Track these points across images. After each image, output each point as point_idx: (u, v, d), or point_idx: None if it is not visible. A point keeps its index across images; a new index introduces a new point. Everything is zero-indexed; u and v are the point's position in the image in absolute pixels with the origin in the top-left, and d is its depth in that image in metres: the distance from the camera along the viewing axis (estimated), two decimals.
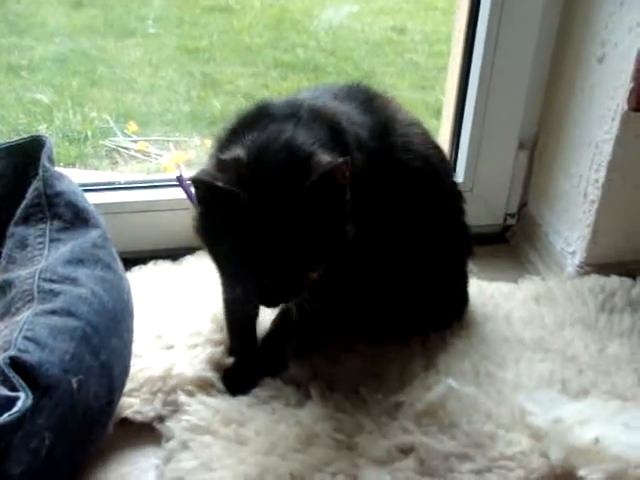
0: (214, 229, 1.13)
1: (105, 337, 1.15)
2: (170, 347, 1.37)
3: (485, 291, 1.57)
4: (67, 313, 1.12)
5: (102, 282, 1.21)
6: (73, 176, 1.37)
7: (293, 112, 1.19)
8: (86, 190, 1.39)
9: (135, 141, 2.39)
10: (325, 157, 1.09)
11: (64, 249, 1.22)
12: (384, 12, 3.54)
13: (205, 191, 1.09)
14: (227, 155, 1.13)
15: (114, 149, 2.38)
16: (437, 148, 1.39)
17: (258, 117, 1.19)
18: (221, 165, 1.10)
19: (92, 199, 1.37)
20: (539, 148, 1.76)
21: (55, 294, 1.14)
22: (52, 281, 1.16)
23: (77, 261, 1.21)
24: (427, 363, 1.36)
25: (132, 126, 2.44)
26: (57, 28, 2.95)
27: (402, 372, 1.34)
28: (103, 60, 2.86)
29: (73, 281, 1.17)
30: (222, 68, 2.95)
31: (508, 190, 1.78)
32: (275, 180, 1.08)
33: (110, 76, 2.79)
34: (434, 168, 1.34)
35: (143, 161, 2.35)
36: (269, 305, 1.19)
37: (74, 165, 2.32)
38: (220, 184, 1.05)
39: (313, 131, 1.15)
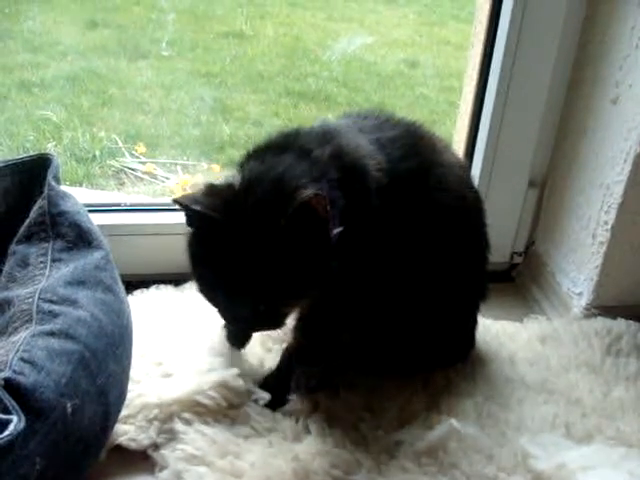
0: (197, 251, 1.15)
1: (103, 362, 1.13)
2: (168, 374, 1.33)
3: (490, 330, 1.54)
4: (65, 335, 1.09)
5: (102, 305, 1.19)
6: (79, 195, 1.35)
7: (311, 145, 1.18)
8: (91, 210, 1.37)
9: (143, 163, 2.40)
10: (308, 190, 1.07)
11: (66, 270, 1.20)
12: (397, 45, 3.57)
13: (186, 213, 1.11)
14: (221, 181, 1.15)
15: (121, 170, 2.39)
16: (474, 191, 1.38)
17: (274, 145, 1.20)
18: (209, 190, 1.12)
19: (97, 220, 1.35)
20: (549, 187, 1.75)
21: (54, 315, 1.12)
22: (52, 302, 1.14)
23: (78, 282, 1.19)
24: (429, 402, 1.33)
25: (140, 147, 2.45)
26: (71, 47, 2.98)
27: (403, 410, 1.31)
28: (115, 81, 2.88)
29: (73, 303, 1.15)
30: (233, 94, 2.97)
31: (516, 228, 1.76)
32: (256, 210, 1.08)
33: (121, 97, 2.81)
34: (469, 211, 1.34)
35: (150, 183, 2.35)
36: (245, 329, 1.25)
37: (81, 184, 2.32)
38: (197, 208, 1.07)
39: (316, 168, 1.14)
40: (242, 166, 1.19)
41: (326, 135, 1.21)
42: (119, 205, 1.67)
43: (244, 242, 1.07)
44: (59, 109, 2.64)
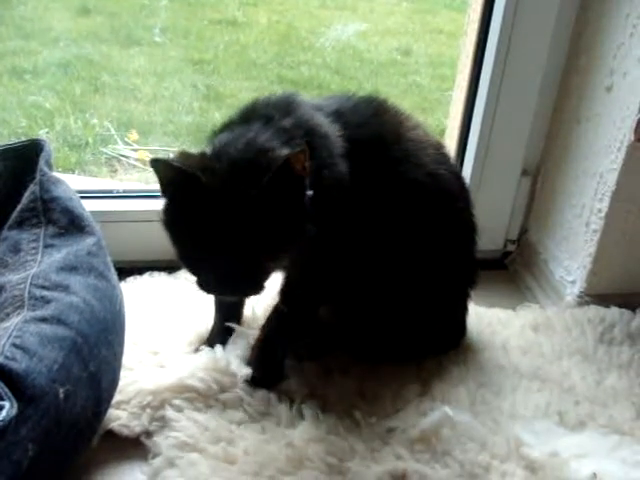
0: (175, 217, 1.14)
1: (95, 347, 1.12)
2: (161, 361, 1.33)
3: (482, 317, 1.53)
4: (57, 321, 1.08)
5: (95, 291, 1.18)
6: (71, 182, 1.34)
7: (272, 113, 1.20)
8: (84, 197, 1.36)
9: (135, 150, 2.38)
10: (284, 150, 1.11)
11: (58, 255, 1.19)
12: (390, 33, 3.57)
13: (165, 173, 1.11)
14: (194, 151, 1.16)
15: (114, 157, 2.37)
16: (454, 172, 1.36)
17: (238, 117, 1.23)
18: (183, 156, 1.14)
19: (89, 206, 1.34)
20: (542, 175, 1.74)
21: (46, 301, 1.11)
22: (44, 287, 1.13)
23: (70, 268, 1.18)
24: (422, 389, 1.33)
25: (133, 135, 2.43)
26: (62, 33, 2.97)
27: (396, 396, 1.31)
28: (107, 67, 2.87)
29: (65, 289, 1.14)
30: (226, 81, 2.95)
31: (509, 216, 1.76)
32: (234, 169, 1.10)
33: (113, 84, 2.79)
34: (445, 189, 1.31)
35: (142, 170, 2.32)
36: (227, 294, 1.21)
37: (73, 171, 2.30)
38: (177, 164, 1.08)
39: (284, 134, 1.17)
40: (212, 140, 1.20)
41: (288, 106, 1.23)
42: (112, 192, 1.66)
43: (224, 201, 1.08)
44: (51, 96, 2.63)
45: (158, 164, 1.10)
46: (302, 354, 1.36)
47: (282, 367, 1.33)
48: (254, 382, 1.30)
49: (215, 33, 3.27)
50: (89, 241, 1.24)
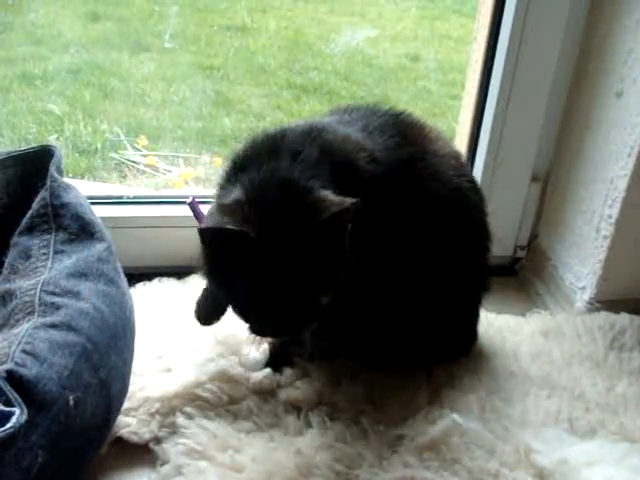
0: (224, 270, 1.13)
1: (105, 354, 1.12)
2: (169, 368, 1.33)
3: (492, 324, 1.53)
4: (68, 328, 1.08)
5: (105, 297, 1.18)
6: (81, 188, 1.34)
7: (300, 146, 1.17)
8: (94, 203, 1.36)
9: (145, 155, 2.38)
10: (332, 196, 1.09)
11: (68, 261, 1.19)
12: (399, 39, 3.54)
13: (214, 237, 1.09)
14: (227, 199, 1.13)
15: (123, 162, 2.37)
16: (472, 182, 1.36)
17: (262, 151, 1.19)
18: (223, 210, 1.12)
19: (99, 212, 1.34)
20: (552, 181, 1.73)
21: (56, 307, 1.11)
22: (54, 294, 1.13)
23: (80, 274, 1.18)
24: (431, 396, 1.32)
25: (142, 140, 2.43)
26: (72, 39, 2.96)
27: (405, 404, 1.30)
28: (117, 73, 2.87)
29: (75, 295, 1.14)
30: (235, 87, 2.95)
31: (519, 222, 1.75)
32: (278, 217, 1.09)
33: (123, 89, 2.79)
34: (467, 202, 1.32)
35: (152, 176, 2.34)
36: (283, 335, 1.23)
37: (83, 177, 2.30)
38: (230, 227, 1.06)
39: (313, 167, 1.14)
40: (234, 177, 1.18)
41: (312, 132, 1.20)
42: (122, 197, 1.67)
43: (277, 249, 1.07)
44: (61, 101, 2.63)
45: (209, 233, 1.09)
46: (314, 355, 1.36)
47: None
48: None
49: (224, 39, 3.25)
50: (99, 247, 1.24)
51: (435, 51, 3.49)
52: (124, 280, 1.27)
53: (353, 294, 1.23)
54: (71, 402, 1.01)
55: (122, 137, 2.47)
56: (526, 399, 1.34)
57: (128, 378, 1.22)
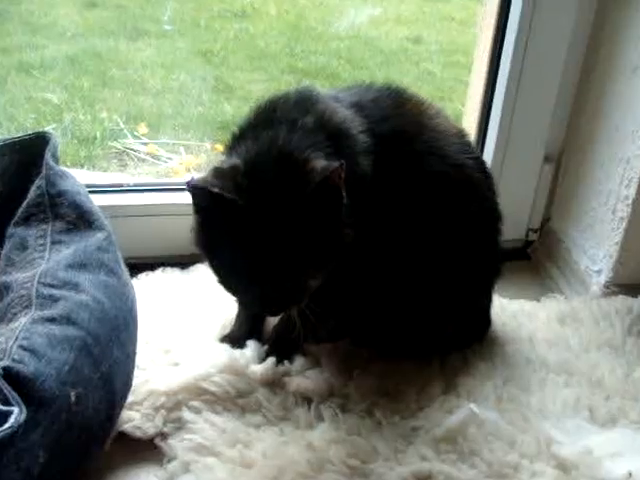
0: (212, 239, 1.11)
1: (106, 347, 1.07)
2: (175, 361, 1.28)
3: (506, 309, 1.48)
4: (67, 321, 1.04)
5: (105, 288, 1.13)
6: (80, 177, 1.29)
7: (295, 116, 1.15)
8: (93, 192, 1.32)
9: (145, 143, 2.34)
10: (320, 162, 1.08)
11: (66, 252, 1.15)
12: (400, 21, 3.51)
13: (202, 198, 1.07)
14: (224, 164, 1.12)
15: (123, 151, 2.32)
16: (478, 160, 1.31)
17: (259, 121, 1.18)
18: (217, 173, 1.09)
19: (99, 201, 1.31)
20: (565, 162, 1.68)
21: (55, 300, 1.06)
22: (52, 286, 1.09)
23: (79, 265, 1.14)
24: (447, 385, 1.27)
25: (142, 128, 2.39)
26: (69, 27, 2.93)
27: (420, 393, 1.25)
28: (115, 61, 2.83)
29: (74, 286, 1.10)
30: (235, 73, 2.91)
31: (531, 204, 1.70)
32: (271, 187, 1.07)
33: (122, 77, 2.75)
34: (470, 179, 1.26)
35: (152, 164, 2.28)
36: (270, 313, 1.21)
37: (82, 166, 2.25)
38: (217, 190, 1.03)
39: (310, 137, 1.13)
40: (233, 148, 1.17)
41: (305, 103, 1.18)
42: (122, 185, 1.61)
43: (266, 219, 1.05)
44: (59, 90, 2.59)
45: (197, 190, 1.06)
46: (321, 336, 1.32)
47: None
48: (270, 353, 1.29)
49: (223, 24, 3.21)
50: (99, 236, 1.20)
51: (437, 33, 3.46)
52: (125, 270, 1.22)
53: (358, 274, 1.20)
54: (72, 398, 0.98)
55: (122, 125, 2.42)
56: (544, 387, 1.29)
57: (132, 372, 1.18)
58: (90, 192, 1.30)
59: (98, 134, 2.38)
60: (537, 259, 1.74)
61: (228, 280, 1.13)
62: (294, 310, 1.16)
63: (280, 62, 3.00)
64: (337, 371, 1.28)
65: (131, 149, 2.32)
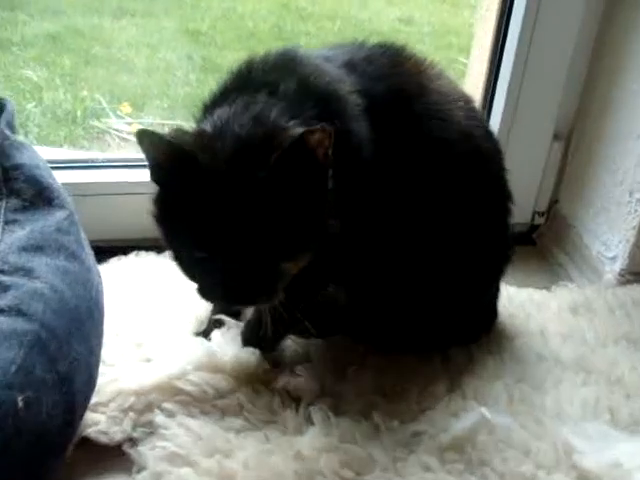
0: (168, 209, 0.92)
1: (65, 343, 0.91)
2: (148, 357, 1.11)
3: (514, 299, 1.32)
4: (17, 312, 0.88)
5: (64, 274, 0.97)
6: (53, 154, 1.12)
7: (275, 79, 0.97)
8: (59, 167, 1.17)
9: (129, 123, 2.19)
10: (298, 129, 0.89)
11: (21, 233, 0.99)
12: (391, 2, 3.40)
13: (155, 151, 0.88)
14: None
15: (106, 131, 2.18)
16: (486, 130, 1.14)
17: (233, 86, 1.00)
18: (180, 133, 0.93)
19: (66, 178, 1.18)
20: (575, 139, 1.52)
21: (3, 288, 0.91)
22: (2, 272, 0.93)
23: (35, 248, 0.97)
24: (451, 384, 1.11)
25: (126, 108, 2.25)
26: (51, 4, 2.80)
27: (422, 394, 1.09)
28: (98, 39, 2.69)
29: (28, 272, 0.93)
30: (223, 52, 2.75)
31: (538, 185, 1.54)
32: (239, 152, 0.88)
33: (105, 55, 2.61)
34: (478, 150, 1.09)
35: (136, 144, 2.10)
36: (236, 302, 0.98)
37: (62, 146, 2.12)
38: (171, 139, 0.87)
39: (293, 104, 0.95)
40: (204, 117, 0.99)
41: (287, 65, 1.00)
42: (92, 161, 1.43)
43: (228, 187, 0.87)
44: (39, 68, 2.44)
45: (145, 137, 0.88)
46: (307, 331, 1.12)
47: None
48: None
49: (210, 3, 3.05)
50: (59, 215, 1.03)
51: (429, 14, 3.32)
52: (90, 254, 1.06)
53: (347, 258, 1.02)
54: (20, 404, 0.81)
55: (104, 104, 2.27)
56: (559, 386, 1.13)
57: (96, 369, 1.01)
58: (56, 168, 1.15)
59: (79, 113, 2.24)
60: (543, 244, 1.57)
61: (184, 259, 0.94)
62: (265, 306, 0.97)
63: (269, 42, 2.86)
64: (329, 367, 1.12)
65: (114, 129, 2.17)
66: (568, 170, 1.53)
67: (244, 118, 0.91)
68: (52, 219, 1.01)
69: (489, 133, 1.14)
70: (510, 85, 1.42)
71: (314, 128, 0.85)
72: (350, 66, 1.04)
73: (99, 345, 1.02)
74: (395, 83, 1.04)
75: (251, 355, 1.09)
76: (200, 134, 0.91)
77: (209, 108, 0.99)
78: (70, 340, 0.92)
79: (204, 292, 0.94)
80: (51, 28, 2.67)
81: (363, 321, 1.14)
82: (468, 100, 1.13)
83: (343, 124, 0.95)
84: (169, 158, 0.87)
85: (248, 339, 1.11)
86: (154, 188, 0.94)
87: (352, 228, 0.97)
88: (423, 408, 1.06)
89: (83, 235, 1.06)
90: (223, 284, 0.90)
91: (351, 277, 1.08)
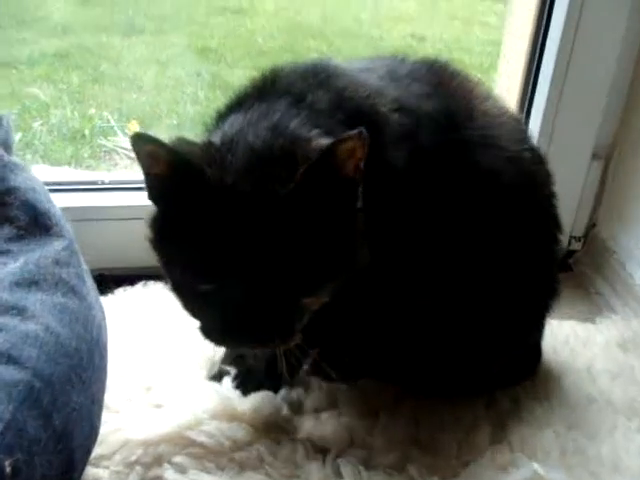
0: (168, 232, 0.78)
1: (62, 392, 0.77)
2: (158, 402, 0.97)
3: (556, 334, 1.17)
4: (7, 359, 0.75)
5: (62, 313, 0.83)
6: (56, 174, 1.00)
7: (303, 89, 0.83)
8: (59, 190, 1.01)
9: None
10: (326, 140, 0.76)
11: (13, 265, 0.85)
12: (402, 20, 3.31)
13: (152, 161, 0.74)
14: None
15: (113, 149, 2.08)
16: (534, 151, 0.99)
17: (256, 92, 0.86)
18: (184, 143, 0.79)
19: (67, 201, 1.07)
20: (615, 160, 1.38)
21: None
22: None
23: (30, 283, 0.84)
24: (495, 433, 0.97)
25: (134, 126, 2.12)
26: (61, 23, 2.72)
27: (463, 444, 0.95)
28: (107, 57, 2.59)
29: (21, 311, 0.80)
30: (233, 69, 2.65)
31: (575, 208, 1.39)
32: (255, 163, 0.75)
33: (114, 73, 2.50)
34: (529, 178, 0.95)
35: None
36: (246, 344, 0.81)
37: (69, 165, 2.01)
38: (173, 147, 0.74)
39: (320, 117, 0.82)
40: (216, 126, 0.85)
41: (318, 75, 0.86)
42: (95, 183, 1.29)
43: (240, 207, 0.73)
44: (47, 86, 2.35)
45: (142, 143, 0.74)
46: (331, 374, 0.99)
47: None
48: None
49: (220, 21, 2.98)
50: (57, 245, 0.90)
51: (441, 31, 3.20)
52: (92, 288, 0.92)
53: (379, 292, 0.87)
54: (7, 469, 0.68)
55: (112, 123, 2.17)
56: (614, 433, 0.99)
57: (98, 418, 0.87)
58: (57, 190, 1.02)
59: (87, 131, 2.14)
60: (581, 271, 1.43)
61: (185, 292, 0.80)
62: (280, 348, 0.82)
63: (278, 59, 2.72)
64: (359, 414, 0.98)
65: (122, 147, 2.06)
66: (607, 191, 1.39)
67: (259, 127, 0.78)
68: (49, 249, 0.88)
69: (539, 156, 1.00)
70: (548, 100, 1.29)
71: (346, 136, 0.72)
72: (392, 81, 0.90)
73: (102, 390, 0.88)
74: (443, 104, 0.90)
75: (271, 400, 0.95)
76: (207, 145, 0.78)
77: (223, 116, 0.86)
78: (68, 389, 0.78)
79: (208, 331, 0.79)
80: (59, 46, 2.58)
81: (395, 362, 0.99)
82: (517, 119, 1.00)
83: (379, 147, 0.80)
84: (171, 171, 0.74)
85: (259, 382, 0.97)
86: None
87: (385, 258, 0.83)
88: (464, 461, 0.93)
89: (84, 266, 0.92)
90: (232, 322, 0.75)
91: (381, 313, 0.94)
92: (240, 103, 0.86)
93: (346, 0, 3.38)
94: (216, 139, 0.79)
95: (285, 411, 0.96)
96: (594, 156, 1.36)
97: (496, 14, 3.16)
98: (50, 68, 2.45)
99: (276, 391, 0.98)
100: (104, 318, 0.92)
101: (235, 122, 0.81)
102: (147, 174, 0.77)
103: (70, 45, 2.60)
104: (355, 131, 0.72)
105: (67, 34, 2.65)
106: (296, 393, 1.00)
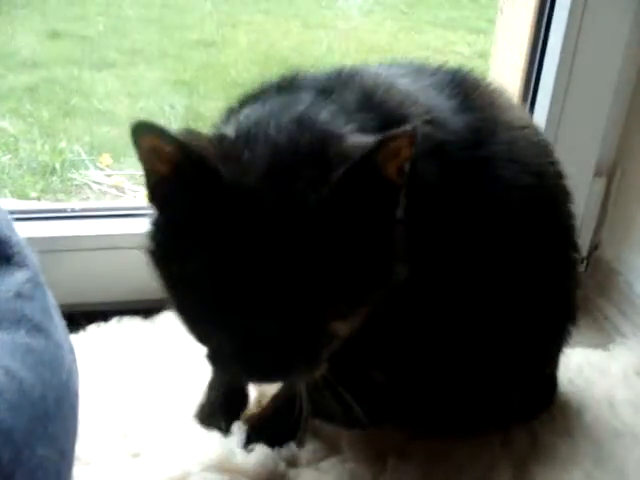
0: (172, 243, 0.66)
1: (25, 447, 0.65)
2: (136, 450, 0.84)
3: (569, 362, 1.06)
4: None
5: (26, 354, 0.71)
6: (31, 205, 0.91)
7: (329, 86, 0.73)
8: (23, 219, 0.90)
9: (109, 175, 2.02)
10: (363, 137, 0.65)
11: None
12: (376, 51, 3.23)
13: (154, 157, 0.63)
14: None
15: (85, 183, 2.00)
16: (556, 165, 0.90)
17: (275, 86, 0.76)
18: (192, 135, 0.66)
19: (32, 231, 0.96)
20: (618, 176, 1.29)
21: None
22: None
23: None
24: (515, 473, 0.85)
25: (106, 159, 2.07)
26: (30, 58, 2.69)
27: None
28: (78, 90, 2.55)
29: None
30: (206, 101, 2.60)
31: (578, 228, 1.29)
32: (281, 165, 0.64)
33: (84, 107, 2.45)
34: (552, 194, 0.87)
35: (117, 197, 1.95)
36: (264, 375, 0.67)
37: (39, 199, 1.92)
38: (182, 139, 0.61)
39: (348, 109, 0.71)
40: (229, 119, 0.74)
41: (342, 75, 0.78)
42: (65, 211, 1.17)
43: (265, 219, 0.61)
44: (16, 120, 2.29)
45: (144, 134, 0.64)
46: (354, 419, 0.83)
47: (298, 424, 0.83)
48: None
49: (193, 54, 2.94)
50: (19, 277, 0.77)
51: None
52: (60, 325, 0.80)
53: (402, 324, 0.76)
54: None
55: (84, 156, 2.10)
56: None
57: (68, 473, 0.74)
58: (22, 219, 0.90)
59: (57, 165, 2.07)
60: (586, 295, 1.31)
61: (193, 314, 0.67)
62: (302, 383, 0.70)
63: None
64: (365, 459, 0.86)
65: (93, 181, 1.99)
66: (611, 210, 1.30)
67: (282, 120, 0.67)
68: (10, 282, 0.75)
69: (559, 169, 0.91)
70: (548, 117, 1.21)
71: (397, 133, 0.61)
72: (421, 90, 0.80)
73: (72, 442, 0.75)
74: (468, 120, 0.81)
75: (266, 451, 0.82)
76: (219, 137, 0.67)
77: (235, 112, 0.75)
78: (32, 443, 0.66)
79: (217, 360, 0.67)
80: (29, 80, 2.53)
81: (407, 400, 0.87)
82: (538, 132, 0.90)
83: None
84: (178, 167, 0.62)
85: (265, 431, 0.85)
86: (148, 221, 0.69)
87: (415, 278, 0.70)
88: None
89: (51, 300, 0.80)
90: (247, 349, 0.62)
91: (407, 348, 0.81)
92: (256, 97, 0.75)
93: (318, 32, 3.36)
94: (230, 131, 0.68)
95: (279, 463, 0.83)
96: (596, 173, 1.28)
97: (469, 45, 3.14)
98: (19, 103, 2.38)
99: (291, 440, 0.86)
100: (74, 359, 0.80)
101: (252, 113, 0.70)
102: (148, 171, 0.65)
103: (40, 79, 2.55)
104: (408, 128, 0.61)
105: (37, 68, 2.61)
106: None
